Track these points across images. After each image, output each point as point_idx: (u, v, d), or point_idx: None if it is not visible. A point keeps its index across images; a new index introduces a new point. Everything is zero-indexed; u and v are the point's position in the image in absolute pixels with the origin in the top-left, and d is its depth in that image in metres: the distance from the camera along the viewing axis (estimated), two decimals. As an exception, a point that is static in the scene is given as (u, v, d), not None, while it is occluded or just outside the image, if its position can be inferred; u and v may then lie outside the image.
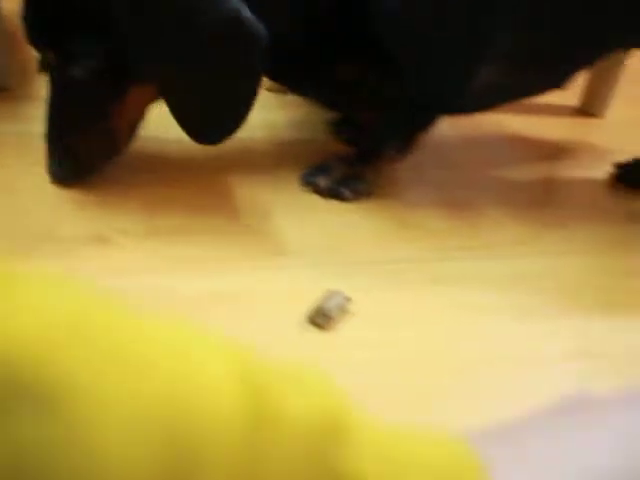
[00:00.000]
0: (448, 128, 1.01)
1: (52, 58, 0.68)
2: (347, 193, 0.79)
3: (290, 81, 0.79)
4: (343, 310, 0.61)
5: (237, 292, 0.64)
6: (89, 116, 0.70)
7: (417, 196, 0.85)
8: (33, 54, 0.94)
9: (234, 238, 0.71)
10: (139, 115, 0.74)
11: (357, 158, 0.81)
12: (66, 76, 0.67)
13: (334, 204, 0.79)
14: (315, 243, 0.72)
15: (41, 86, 0.74)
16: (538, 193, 0.91)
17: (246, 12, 0.62)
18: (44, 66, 0.70)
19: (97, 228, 0.69)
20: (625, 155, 0.97)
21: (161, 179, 0.77)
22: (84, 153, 0.71)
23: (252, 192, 0.79)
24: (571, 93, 1.17)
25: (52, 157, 0.71)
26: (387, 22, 0.66)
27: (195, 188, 0.77)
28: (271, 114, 0.95)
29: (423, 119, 0.79)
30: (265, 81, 0.72)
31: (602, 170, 0.97)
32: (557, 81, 0.80)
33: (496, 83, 0.76)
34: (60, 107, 0.70)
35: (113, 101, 0.69)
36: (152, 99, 0.72)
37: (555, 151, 1.02)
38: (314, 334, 0.60)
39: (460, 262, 0.73)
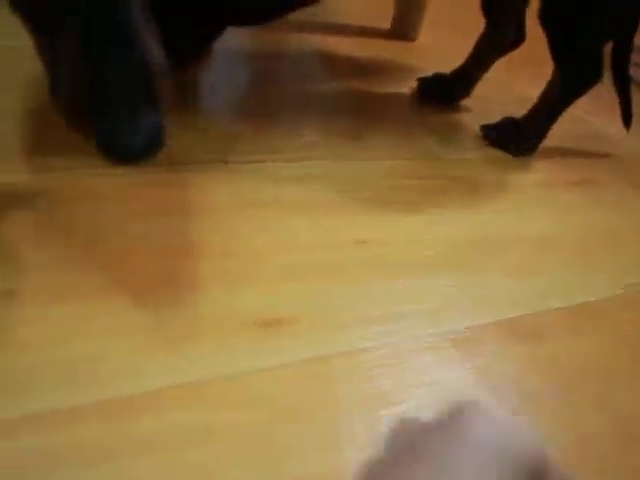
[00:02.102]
0: (260, 45, 1.00)
1: None
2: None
3: None
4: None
5: None
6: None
7: (213, 104, 0.82)
8: None
9: None
10: None
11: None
12: None
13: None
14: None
15: None
16: (340, 106, 0.91)
17: None
18: None
19: None
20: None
21: None
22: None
23: None
24: (384, 17, 1.20)
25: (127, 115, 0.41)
26: None
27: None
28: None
29: (208, 29, 0.77)
30: None
31: (407, 87, 1.00)
32: None
33: None
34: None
35: None
36: None
37: (364, 69, 1.03)
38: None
39: (252, 165, 0.72)
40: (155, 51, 0.45)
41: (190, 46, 0.75)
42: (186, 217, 0.62)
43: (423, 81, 0.99)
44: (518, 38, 0.93)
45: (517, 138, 0.91)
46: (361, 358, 0.53)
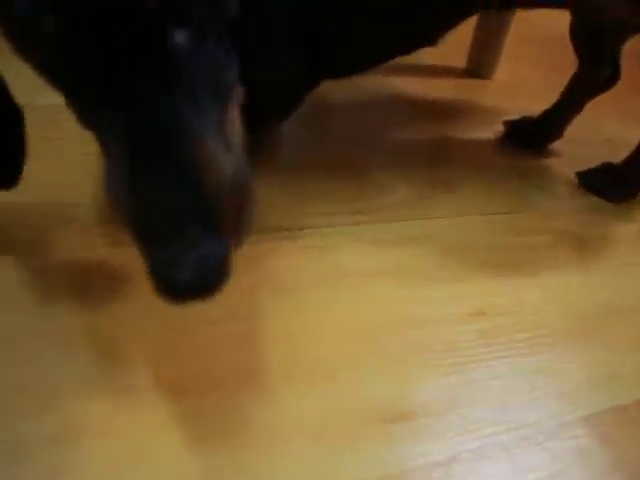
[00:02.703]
0: (337, 91, 0.96)
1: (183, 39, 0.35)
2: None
3: None
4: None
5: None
6: (204, 130, 0.36)
7: (300, 160, 0.78)
8: None
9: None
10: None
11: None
12: (167, 57, 0.35)
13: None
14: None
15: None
16: (426, 155, 0.86)
17: None
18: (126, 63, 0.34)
19: None
20: (513, 115, 0.96)
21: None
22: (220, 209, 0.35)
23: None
24: (458, 55, 1.15)
25: (172, 238, 0.33)
26: None
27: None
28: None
29: (302, 85, 0.73)
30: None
31: (492, 130, 0.95)
32: (429, 38, 0.76)
33: (369, 43, 0.71)
34: (167, 128, 0.34)
35: (224, 97, 0.40)
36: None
37: (444, 112, 0.99)
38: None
39: (343, 227, 0.67)
40: (222, 158, 0.36)
41: (283, 106, 0.71)
42: (272, 295, 0.57)
43: (510, 124, 0.94)
44: (613, 77, 0.88)
45: (617, 184, 0.85)
46: (487, 457, 0.47)
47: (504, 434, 0.49)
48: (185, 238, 0.32)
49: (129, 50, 0.33)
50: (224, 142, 0.37)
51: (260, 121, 0.72)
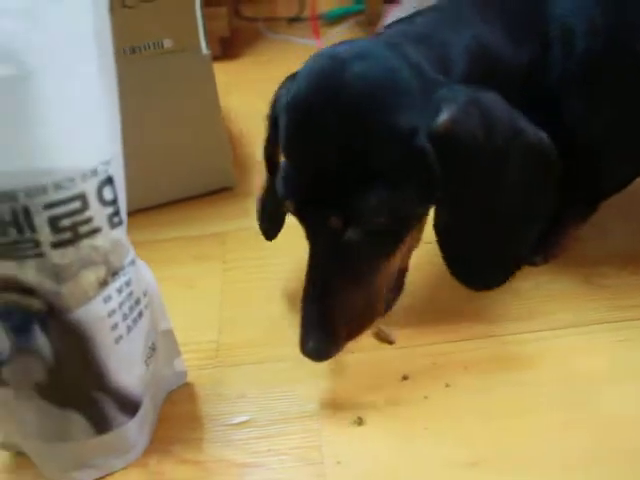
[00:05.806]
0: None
1: (336, 222, 0.57)
2: (539, 259, 0.82)
3: None
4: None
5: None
6: (354, 281, 0.61)
7: (599, 251, 0.82)
8: (249, 150, 1.05)
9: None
10: (404, 265, 0.68)
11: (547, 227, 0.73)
12: (340, 240, 0.58)
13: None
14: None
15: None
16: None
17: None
18: (316, 232, 0.61)
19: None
20: None
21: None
22: (342, 325, 0.61)
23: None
24: None
25: (308, 330, 0.61)
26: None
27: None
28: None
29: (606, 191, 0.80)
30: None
31: None
32: None
33: None
34: (323, 275, 0.61)
35: (383, 259, 0.62)
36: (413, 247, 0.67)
37: None
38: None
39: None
40: (349, 301, 0.61)
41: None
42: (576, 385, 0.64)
43: None
44: None
45: None
46: None
47: None
48: (312, 332, 0.60)
49: (320, 233, 0.60)
50: (364, 288, 0.61)
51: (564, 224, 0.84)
